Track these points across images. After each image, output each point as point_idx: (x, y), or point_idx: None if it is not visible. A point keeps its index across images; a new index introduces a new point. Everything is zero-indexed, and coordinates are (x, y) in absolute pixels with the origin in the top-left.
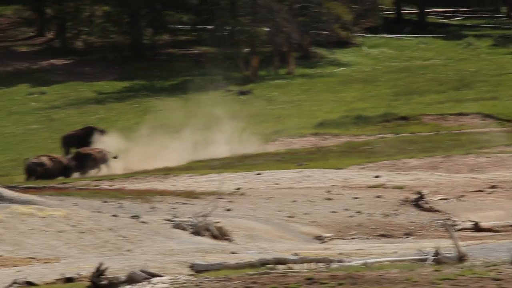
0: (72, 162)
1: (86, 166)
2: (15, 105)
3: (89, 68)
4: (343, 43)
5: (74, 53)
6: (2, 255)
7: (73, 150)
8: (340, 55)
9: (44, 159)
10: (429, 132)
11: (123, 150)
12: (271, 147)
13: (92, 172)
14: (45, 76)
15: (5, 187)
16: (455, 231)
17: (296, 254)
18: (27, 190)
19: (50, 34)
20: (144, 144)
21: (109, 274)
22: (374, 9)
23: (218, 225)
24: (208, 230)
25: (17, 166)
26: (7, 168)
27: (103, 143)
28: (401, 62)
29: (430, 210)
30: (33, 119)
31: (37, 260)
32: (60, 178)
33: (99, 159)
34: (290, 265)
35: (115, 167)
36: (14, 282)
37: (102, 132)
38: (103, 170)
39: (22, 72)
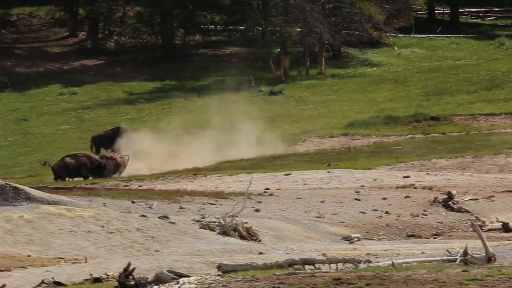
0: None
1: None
2: (46, 105)
3: (120, 69)
4: (375, 43)
5: (106, 53)
6: (30, 255)
7: (103, 150)
8: (372, 55)
9: (68, 159)
10: (459, 132)
11: (152, 150)
12: (301, 148)
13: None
14: (77, 77)
15: (34, 188)
16: (484, 231)
17: (323, 255)
18: (56, 190)
19: (82, 35)
20: (173, 144)
21: (136, 274)
22: (406, 9)
23: (246, 225)
24: (236, 230)
25: (47, 167)
26: (37, 169)
27: (133, 143)
28: (433, 62)
29: (459, 210)
30: (64, 120)
31: (66, 260)
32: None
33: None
34: (318, 265)
35: (142, 168)
36: (42, 282)
37: (132, 132)
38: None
39: (54, 73)
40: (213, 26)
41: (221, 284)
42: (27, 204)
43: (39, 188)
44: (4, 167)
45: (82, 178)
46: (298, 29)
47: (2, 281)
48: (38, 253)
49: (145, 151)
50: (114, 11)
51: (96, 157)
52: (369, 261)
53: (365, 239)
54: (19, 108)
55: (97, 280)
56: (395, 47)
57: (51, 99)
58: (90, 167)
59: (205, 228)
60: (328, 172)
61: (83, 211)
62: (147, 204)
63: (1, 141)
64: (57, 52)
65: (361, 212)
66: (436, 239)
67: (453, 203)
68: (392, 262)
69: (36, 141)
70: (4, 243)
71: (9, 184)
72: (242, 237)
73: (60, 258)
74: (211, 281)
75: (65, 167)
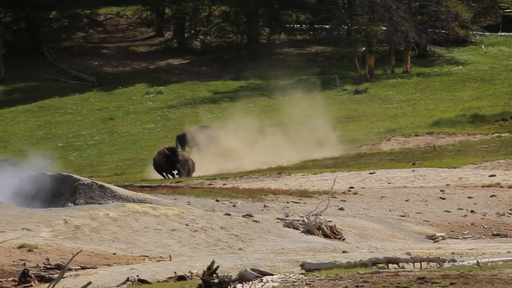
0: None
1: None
2: (132, 104)
3: (205, 68)
4: (461, 42)
5: (191, 53)
6: (116, 253)
7: (188, 149)
8: (458, 53)
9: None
10: None
11: (236, 148)
12: (386, 146)
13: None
14: (162, 76)
15: (120, 186)
16: None
17: (408, 254)
18: (141, 189)
19: (168, 34)
20: (257, 143)
21: (220, 272)
22: (493, 7)
23: (330, 224)
24: (320, 229)
25: (132, 165)
26: (122, 167)
27: (217, 142)
28: None
29: None
30: (150, 119)
31: (150, 258)
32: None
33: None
34: (402, 264)
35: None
36: (128, 280)
37: (216, 131)
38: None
39: (140, 72)
40: (298, 25)
41: (304, 283)
42: (113, 202)
43: (124, 187)
44: (90, 165)
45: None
46: (384, 28)
47: (88, 279)
48: (123, 250)
49: (229, 149)
50: (200, 11)
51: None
52: (454, 260)
53: (449, 238)
54: (106, 107)
55: (181, 278)
56: (482, 46)
57: (137, 98)
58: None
59: (288, 227)
60: (413, 171)
61: (168, 209)
62: (231, 202)
63: (88, 139)
64: (143, 52)
65: (446, 211)
66: None
67: None
68: (477, 261)
69: (122, 140)
70: (90, 241)
71: (96, 183)
72: (325, 235)
73: (145, 256)
74: (294, 280)
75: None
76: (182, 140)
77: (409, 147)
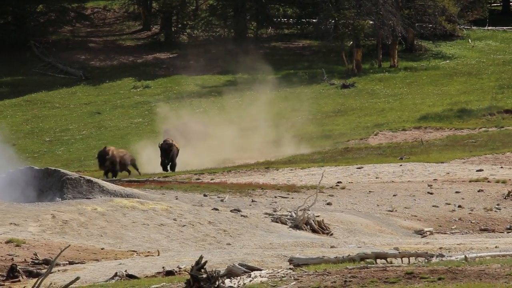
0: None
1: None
2: (120, 98)
3: (193, 62)
4: (448, 36)
5: (179, 47)
6: (104, 248)
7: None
8: (445, 48)
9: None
10: None
11: (224, 142)
12: (373, 141)
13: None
14: (150, 70)
15: (108, 181)
16: None
17: (396, 249)
18: (129, 183)
19: (155, 28)
20: (245, 137)
21: (209, 267)
22: (480, 1)
23: (318, 219)
24: (308, 224)
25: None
26: None
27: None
28: (507, 55)
29: None
30: (137, 113)
31: (138, 253)
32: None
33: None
34: (390, 259)
35: (217, 160)
36: (116, 275)
37: (203, 126)
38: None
39: (127, 66)
40: (285, 19)
41: (292, 278)
42: (101, 197)
43: (112, 181)
44: (78, 160)
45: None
46: (371, 22)
47: (76, 274)
48: (111, 245)
49: (217, 144)
50: (187, 5)
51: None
52: (442, 255)
53: (437, 233)
54: (93, 101)
55: (169, 273)
56: (469, 40)
57: (124, 92)
58: None
59: (277, 222)
60: (401, 165)
61: (156, 204)
62: (219, 197)
63: (76, 134)
64: (130, 46)
65: (433, 206)
66: (510, 233)
67: None
68: (465, 256)
69: (109, 134)
70: (78, 236)
71: (83, 177)
72: (314, 230)
73: (133, 251)
74: (283, 275)
75: None
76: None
77: (397, 142)
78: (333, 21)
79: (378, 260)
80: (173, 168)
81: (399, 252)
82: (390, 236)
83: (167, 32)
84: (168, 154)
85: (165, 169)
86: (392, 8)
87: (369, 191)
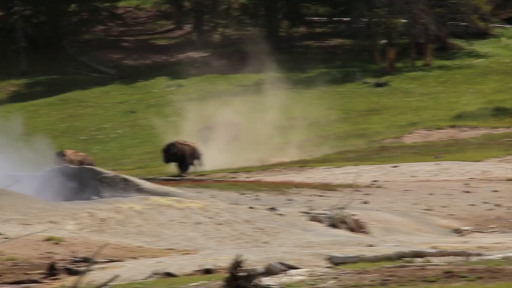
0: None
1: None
2: (153, 97)
3: (225, 61)
4: (482, 34)
5: (211, 45)
6: (142, 246)
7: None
8: (478, 46)
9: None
10: None
11: (257, 142)
12: (408, 139)
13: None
14: (183, 69)
15: (144, 179)
16: None
17: (434, 247)
18: (166, 182)
19: (187, 27)
20: (279, 136)
21: (247, 266)
22: None
23: (355, 217)
24: (344, 222)
25: (155, 158)
26: (145, 160)
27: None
28: None
29: None
30: (171, 112)
31: (176, 251)
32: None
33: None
34: (428, 258)
35: (252, 159)
36: (154, 273)
37: (237, 124)
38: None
39: (160, 65)
40: (318, 18)
41: (331, 276)
42: (137, 195)
43: (148, 180)
44: (113, 158)
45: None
46: (404, 20)
47: (114, 271)
48: (148, 244)
49: (251, 142)
50: (219, 4)
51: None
52: (481, 254)
53: (476, 231)
54: (127, 100)
55: (207, 271)
56: (502, 38)
57: (158, 91)
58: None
59: (313, 220)
60: (436, 164)
61: (192, 202)
62: (255, 195)
63: (110, 133)
64: (163, 45)
65: (470, 205)
66: None
67: None
68: (505, 255)
69: (144, 133)
70: (115, 234)
71: (119, 176)
72: (350, 229)
73: (171, 249)
74: (321, 273)
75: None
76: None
77: (432, 140)
78: (366, 19)
79: (416, 259)
80: (183, 168)
81: (438, 251)
82: (428, 235)
83: (199, 31)
84: (169, 156)
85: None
86: (424, 6)
87: (405, 190)
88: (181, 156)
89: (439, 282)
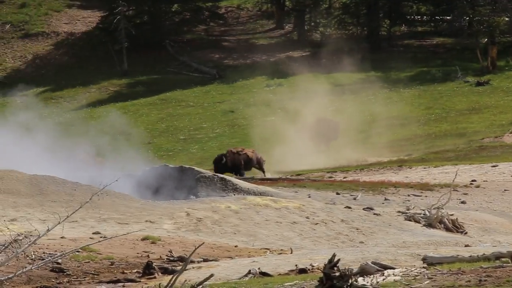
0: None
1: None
2: (253, 97)
3: (325, 60)
4: None
5: (311, 45)
6: (237, 246)
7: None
8: None
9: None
10: None
11: (357, 141)
12: (508, 139)
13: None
14: (283, 68)
15: (241, 179)
16: None
17: None
18: (262, 182)
19: (288, 27)
20: (378, 135)
21: (341, 266)
22: None
23: (452, 217)
24: (441, 222)
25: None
26: None
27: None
28: None
29: None
30: (270, 111)
31: (271, 251)
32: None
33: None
34: None
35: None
36: (249, 272)
37: (336, 124)
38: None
39: (260, 64)
40: (419, 17)
41: (426, 277)
42: (234, 195)
43: (245, 179)
44: (212, 158)
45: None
46: (507, 19)
47: (210, 271)
48: (244, 243)
49: (350, 141)
50: (320, 3)
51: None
52: None
53: None
54: (227, 99)
55: (302, 271)
56: None
57: (257, 90)
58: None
59: (410, 220)
60: None
61: (289, 202)
62: (351, 195)
63: (209, 132)
64: (263, 44)
65: None
66: None
67: None
68: None
69: (243, 132)
70: (212, 234)
71: (217, 175)
72: (447, 229)
73: (266, 248)
74: (416, 273)
75: None
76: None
77: None
78: (468, 18)
79: None
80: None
81: None
82: None
83: (300, 30)
84: (220, 167)
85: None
86: None
87: (505, 190)
88: (232, 167)
89: None
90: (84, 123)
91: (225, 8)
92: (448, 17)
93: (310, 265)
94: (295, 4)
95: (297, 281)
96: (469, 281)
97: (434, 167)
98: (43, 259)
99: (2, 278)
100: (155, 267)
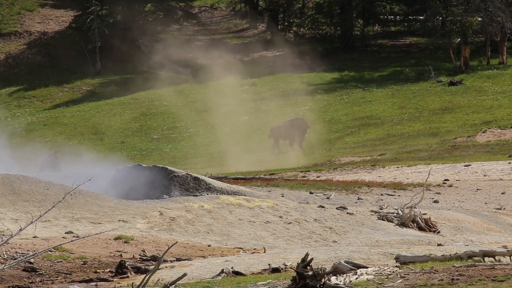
0: None
1: None
2: (226, 96)
3: (299, 60)
4: None
5: (285, 45)
6: (210, 245)
7: (281, 142)
8: None
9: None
10: None
11: (329, 140)
12: (481, 138)
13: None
14: (256, 68)
15: (214, 178)
16: None
17: (504, 247)
18: (235, 181)
19: (261, 27)
20: (351, 134)
21: (314, 265)
22: None
23: (425, 216)
24: (414, 221)
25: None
26: (217, 159)
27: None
28: None
29: None
30: (243, 111)
31: (245, 250)
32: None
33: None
34: (498, 257)
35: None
36: (222, 272)
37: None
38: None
39: (234, 64)
40: (392, 17)
41: (399, 276)
42: (207, 194)
43: (218, 179)
44: (185, 157)
45: None
46: (480, 19)
47: (183, 270)
48: (218, 242)
49: (322, 141)
50: (293, 3)
51: None
52: None
53: None
54: (200, 99)
55: (275, 270)
56: None
57: (230, 90)
58: None
59: (383, 219)
60: (509, 163)
61: (262, 201)
62: (325, 194)
63: (183, 132)
64: (237, 44)
65: None
66: None
67: None
68: None
69: (216, 131)
70: (185, 233)
71: (190, 175)
72: (420, 228)
73: (239, 248)
74: (389, 272)
75: None
76: (276, 132)
77: (506, 139)
78: (441, 18)
79: (486, 259)
80: None
81: (508, 250)
82: (499, 234)
83: (274, 30)
84: None
85: None
86: (501, 4)
87: (477, 189)
88: None
89: (509, 281)
90: (57, 122)
91: (199, 7)
92: (421, 17)
93: (283, 264)
94: (269, 4)
95: (270, 280)
96: (441, 280)
97: (407, 166)
98: (15, 259)
99: None
100: (128, 266)
